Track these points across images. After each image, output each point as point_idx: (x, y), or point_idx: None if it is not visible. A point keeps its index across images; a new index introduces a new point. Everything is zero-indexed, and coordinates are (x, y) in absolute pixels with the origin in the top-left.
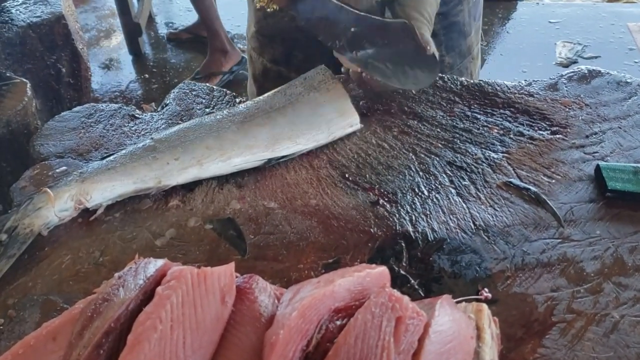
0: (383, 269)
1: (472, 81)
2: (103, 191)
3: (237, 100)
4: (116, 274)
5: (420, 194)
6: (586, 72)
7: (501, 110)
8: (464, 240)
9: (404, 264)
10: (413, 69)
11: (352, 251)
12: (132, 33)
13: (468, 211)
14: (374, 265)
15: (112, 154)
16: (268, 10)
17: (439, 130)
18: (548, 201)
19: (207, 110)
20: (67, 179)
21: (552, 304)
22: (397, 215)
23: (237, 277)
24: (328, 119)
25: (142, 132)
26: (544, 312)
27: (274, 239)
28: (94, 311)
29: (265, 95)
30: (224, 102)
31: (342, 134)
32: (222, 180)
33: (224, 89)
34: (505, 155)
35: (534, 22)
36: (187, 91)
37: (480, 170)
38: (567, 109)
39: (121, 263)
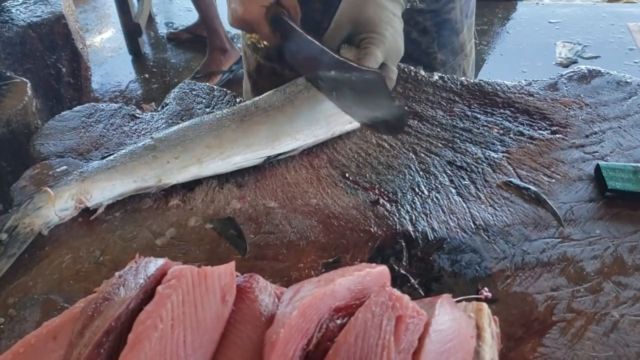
0: (383, 268)
1: (472, 81)
2: (103, 190)
3: (238, 100)
4: (117, 273)
5: (420, 193)
6: (586, 72)
7: (501, 110)
8: (464, 240)
9: (404, 263)
10: (385, 117)
11: (352, 250)
12: (132, 33)
13: (468, 211)
14: (374, 264)
15: (113, 154)
16: (259, 46)
17: (439, 129)
18: (548, 201)
19: (207, 110)
20: (68, 179)
21: (552, 303)
22: (397, 214)
23: (237, 276)
24: (327, 115)
25: (143, 132)
26: (544, 311)
27: (274, 238)
28: (94, 310)
29: (265, 94)
30: (224, 101)
31: (341, 131)
32: (222, 179)
33: (224, 89)
34: (505, 154)
35: (534, 22)
36: (187, 91)
37: (480, 169)
38: (567, 109)
39: (121, 262)
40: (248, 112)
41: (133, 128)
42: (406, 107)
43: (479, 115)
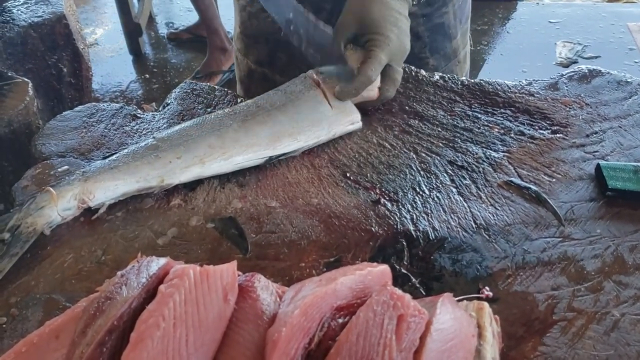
0: (384, 268)
1: (472, 80)
2: (106, 190)
3: (239, 100)
4: (119, 272)
5: (421, 193)
6: (586, 71)
7: (502, 110)
8: (464, 239)
9: (405, 262)
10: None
11: (353, 250)
12: (132, 33)
13: (469, 210)
14: (375, 263)
15: (114, 153)
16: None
17: (439, 129)
18: (549, 200)
19: (208, 110)
20: (70, 178)
21: (553, 303)
22: (398, 214)
23: (239, 275)
24: (329, 116)
25: (144, 132)
26: (544, 310)
27: (275, 237)
28: (96, 309)
29: (266, 93)
30: (225, 101)
31: (343, 131)
32: (223, 179)
33: (225, 89)
34: (506, 154)
35: (534, 22)
36: (189, 91)
37: (481, 169)
38: (568, 109)
39: (123, 262)
40: (250, 112)
41: (134, 128)
42: (407, 107)
43: (479, 115)
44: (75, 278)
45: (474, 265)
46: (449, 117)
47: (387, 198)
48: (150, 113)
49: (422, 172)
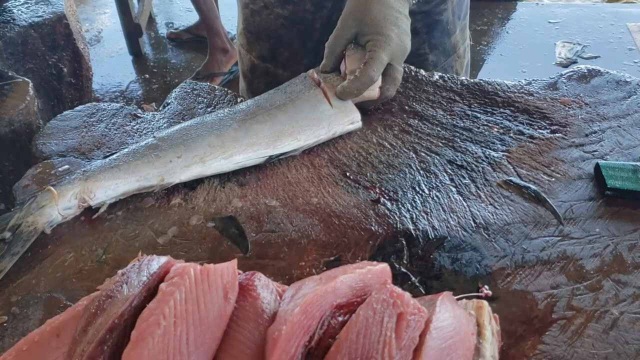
0: (384, 266)
1: (472, 80)
2: (107, 189)
3: (239, 99)
4: (119, 271)
5: (420, 192)
6: (586, 71)
7: (501, 109)
8: (464, 238)
9: (404, 261)
10: None
11: (353, 249)
12: (132, 33)
13: (468, 209)
14: (375, 262)
15: (115, 153)
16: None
17: (439, 129)
18: (548, 199)
19: (208, 109)
20: (71, 178)
21: (552, 301)
22: (397, 213)
23: (239, 274)
24: (329, 115)
25: (144, 131)
26: (544, 309)
27: (275, 236)
28: (97, 308)
29: (266, 93)
30: (225, 101)
31: (342, 131)
32: (223, 178)
33: (225, 88)
34: (506, 153)
35: (533, 22)
36: (189, 90)
37: (480, 168)
38: (567, 108)
39: (124, 261)
40: (250, 111)
41: (135, 127)
42: (407, 107)
43: (479, 115)
44: (76, 277)
45: (473, 264)
46: (448, 116)
47: (387, 197)
48: (151, 113)
49: (421, 172)
